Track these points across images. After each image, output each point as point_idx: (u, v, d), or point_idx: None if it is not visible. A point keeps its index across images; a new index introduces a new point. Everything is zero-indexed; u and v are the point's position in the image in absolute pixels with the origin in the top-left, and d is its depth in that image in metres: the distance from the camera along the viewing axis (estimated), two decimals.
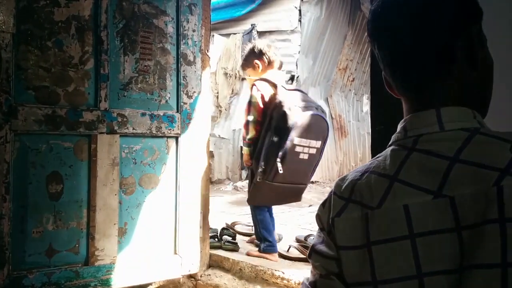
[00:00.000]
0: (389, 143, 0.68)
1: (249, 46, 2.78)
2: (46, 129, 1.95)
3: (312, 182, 6.94)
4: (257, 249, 2.63)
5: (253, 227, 2.70)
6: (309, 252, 0.71)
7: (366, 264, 0.61)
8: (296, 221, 3.86)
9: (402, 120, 0.68)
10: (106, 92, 2.10)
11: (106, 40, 2.09)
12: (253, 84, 2.57)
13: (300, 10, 6.27)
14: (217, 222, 3.12)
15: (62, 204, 2.00)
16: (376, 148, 1.56)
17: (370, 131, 8.57)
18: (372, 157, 1.71)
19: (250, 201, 2.61)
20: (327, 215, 0.69)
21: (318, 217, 0.72)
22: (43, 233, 1.95)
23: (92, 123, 2.06)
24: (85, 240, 2.05)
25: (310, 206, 5.10)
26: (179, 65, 2.33)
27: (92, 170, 2.07)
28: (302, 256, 2.53)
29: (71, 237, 2.03)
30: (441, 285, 0.56)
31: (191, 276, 2.45)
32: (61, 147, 2.01)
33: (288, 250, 2.61)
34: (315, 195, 6.11)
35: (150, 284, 2.43)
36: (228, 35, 6.70)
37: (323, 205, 0.71)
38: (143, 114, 2.21)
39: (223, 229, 2.94)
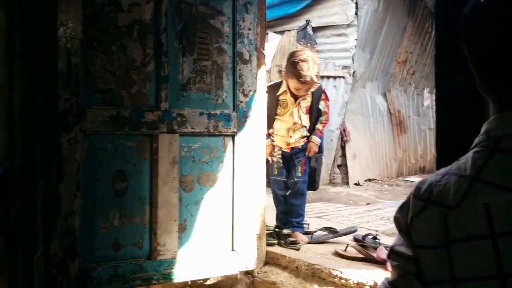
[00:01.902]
0: (472, 146, 0.67)
1: (313, 55, 2.88)
2: (111, 129, 2.06)
3: (369, 180, 6.76)
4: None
5: (296, 212, 2.94)
6: (388, 253, 0.73)
7: (444, 263, 0.61)
8: (353, 220, 3.78)
9: (486, 122, 0.67)
10: (166, 93, 2.17)
11: (165, 42, 2.17)
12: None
13: (356, 3, 6.11)
14: (273, 219, 3.13)
15: (127, 201, 2.10)
16: (442, 143, 1.48)
17: (432, 127, 8.21)
18: (437, 153, 1.63)
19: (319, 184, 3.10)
20: (405, 217, 0.69)
21: (396, 220, 0.72)
22: (110, 228, 2.06)
23: (153, 123, 2.14)
24: (148, 236, 2.15)
25: (367, 204, 4.98)
26: (235, 64, 2.36)
27: (153, 168, 2.15)
28: (360, 255, 2.47)
29: (135, 232, 2.13)
30: None
31: (248, 273, 2.49)
32: (126, 147, 2.11)
33: (345, 249, 2.56)
34: (372, 193, 5.96)
35: (208, 279, 2.50)
36: (282, 32, 6.68)
37: (401, 208, 0.72)
38: (201, 114, 2.26)
39: (277, 226, 2.95)
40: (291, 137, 2.91)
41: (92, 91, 2.03)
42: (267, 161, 2.98)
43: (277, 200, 3.00)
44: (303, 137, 2.93)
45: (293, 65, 2.77)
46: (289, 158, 2.95)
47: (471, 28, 0.67)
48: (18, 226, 1.91)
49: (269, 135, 2.94)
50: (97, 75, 2.04)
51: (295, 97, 2.89)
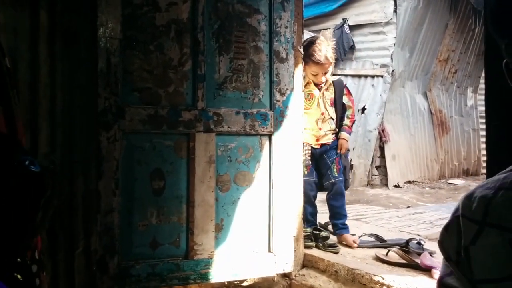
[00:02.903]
0: None
1: (326, 40, 2.85)
2: (149, 128, 2.07)
3: (410, 182, 6.55)
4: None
5: (339, 213, 2.87)
6: (438, 286, 0.62)
7: None
8: (393, 223, 3.65)
9: None
10: (203, 92, 2.16)
11: (202, 41, 2.16)
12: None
13: (395, 0, 5.94)
14: None
15: (164, 200, 2.10)
16: (492, 146, 1.39)
17: (476, 127, 7.87)
18: (488, 155, 1.52)
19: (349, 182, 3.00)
20: (455, 243, 0.59)
21: (441, 245, 0.62)
22: (147, 226, 2.07)
23: (190, 122, 2.14)
24: (185, 235, 2.14)
25: (408, 207, 4.81)
26: (272, 62, 2.32)
27: (190, 168, 2.14)
28: (402, 261, 2.37)
29: (172, 231, 2.12)
30: None
31: (285, 275, 2.44)
32: (163, 145, 2.11)
33: (387, 254, 2.46)
34: (413, 195, 5.77)
35: (245, 280, 2.46)
36: (318, 31, 6.58)
37: (445, 229, 0.61)
38: (237, 113, 2.24)
39: (315, 228, 2.88)
40: (320, 129, 2.84)
41: (131, 90, 2.05)
42: None
43: (307, 201, 2.91)
44: (332, 132, 2.87)
45: (305, 49, 2.70)
46: (319, 157, 2.87)
47: (501, 19, 0.59)
48: (59, 222, 1.94)
49: None
50: (135, 74, 2.06)
51: (319, 88, 2.85)
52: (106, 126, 1.98)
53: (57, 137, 1.93)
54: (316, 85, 2.84)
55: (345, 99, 2.91)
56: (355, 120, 3.01)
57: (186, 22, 2.14)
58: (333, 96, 2.87)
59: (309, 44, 2.75)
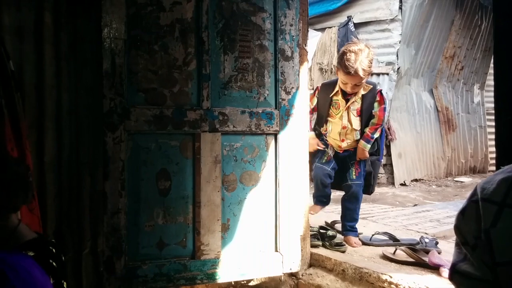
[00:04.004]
0: None
1: (366, 50, 2.65)
2: (154, 128, 2.06)
3: (416, 180, 6.51)
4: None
5: (350, 216, 2.85)
6: (450, 273, 0.61)
7: None
8: (400, 222, 3.62)
9: None
10: (208, 92, 2.15)
11: (207, 40, 2.15)
12: (380, 90, 2.81)
13: None
14: (316, 220, 3.05)
15: (170, 200, 2.10)
16: (502, 142, 1.37)
17: (483, 124, 7.81)
18: (497, 151, 1.50)
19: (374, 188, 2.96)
20: (473, 227, 0.58)
21: (458, 229, 0.60)
22: (154, 227, 2.07)
23: (195, 122, 2.13)
24: (191, 235, 2.13)
25: (414, 205, 4.78)
26: (277, 61, 2.31)
27: (196, 168, 2.14)
28: (410, 259, 2.35)
29: (179, 231, 2.12)
30: None
31: (292, 275, 2.43)
32: (168, 146, 2.10)
33: (394, 253, 2.44)
34: (419, 194, 5.73)
35: (252, 280, 2.46)
36: (323, 29, 6.57)
37: (462, 213, 0.60)
38: (243, 112, 2.23)
39: (321, 227, 2.86)
40: (343, 140, 2.79)
41: (136, 91, 2.05)
42: (314, 152, 2.87)
43: (316, 186, 2.88)
44: (358, 140, 2.79)
45: (341, 55, 2.64)
46: (342, 159, 2.85)
47: None
48: (67, 223, 1.95)
49: (317, 132, 2.86)
50: (140, 74, 2.05)
51: (346, 99, 2.74)
52: (111, 127, 1.97)
53: (64, 138, 1.93)
54: (344, 94, 2.74)
55: (375, 106, 2.75)
56: (379, 127, 2.77)
57: (191, 22, 2.14)
58: (359, 106, 2.74)
59: (346, 51, 2.61)
